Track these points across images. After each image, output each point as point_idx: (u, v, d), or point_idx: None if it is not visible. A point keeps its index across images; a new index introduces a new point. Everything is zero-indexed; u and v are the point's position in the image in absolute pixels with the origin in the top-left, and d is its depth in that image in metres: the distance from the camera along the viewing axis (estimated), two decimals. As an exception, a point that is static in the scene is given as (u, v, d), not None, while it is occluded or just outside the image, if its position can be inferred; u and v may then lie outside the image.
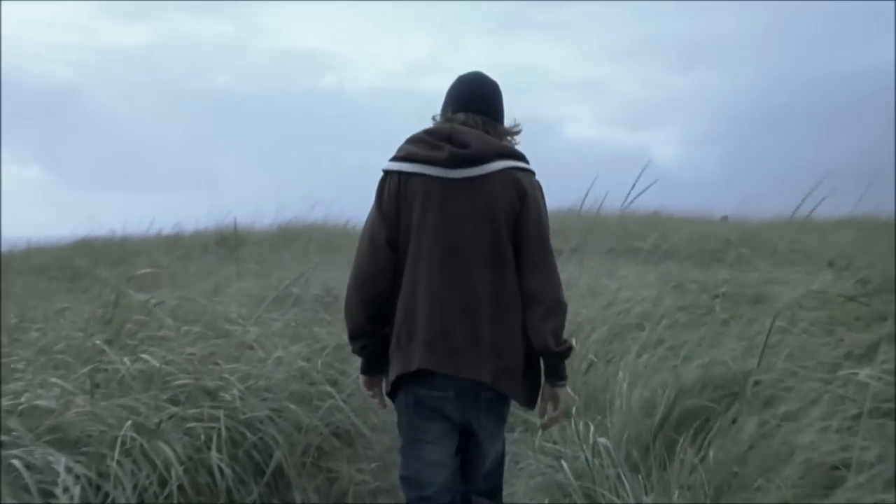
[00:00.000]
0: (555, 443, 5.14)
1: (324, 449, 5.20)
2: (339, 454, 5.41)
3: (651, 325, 6.53)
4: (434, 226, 3.26)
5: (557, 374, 3.37)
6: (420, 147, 3.31)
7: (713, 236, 17.78)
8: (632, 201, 7.90)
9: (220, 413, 4.45)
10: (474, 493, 3.55)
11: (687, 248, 16.67)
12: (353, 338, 3.45)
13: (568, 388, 3.46)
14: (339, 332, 6.44)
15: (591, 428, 4.73)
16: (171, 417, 4.33)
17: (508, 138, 3.49)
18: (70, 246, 19.90)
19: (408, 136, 3.39)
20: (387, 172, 3.35)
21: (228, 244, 17.97)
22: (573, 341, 3.65)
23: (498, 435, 3.51)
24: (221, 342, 5.53)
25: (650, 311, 7.22)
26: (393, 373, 3.36)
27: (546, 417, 3.47)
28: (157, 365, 4.70)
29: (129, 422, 4.06)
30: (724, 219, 23.13)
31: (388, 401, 3.53)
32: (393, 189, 3.30)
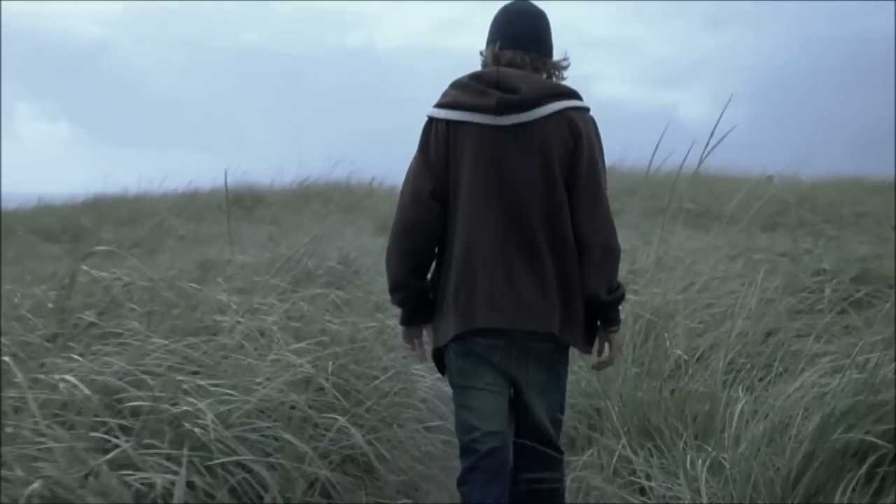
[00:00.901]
0: (635, 473, 3.82)
1: (333, 483, 3.89)
2: (353, 487, 4.13)
3: (750, 315, 5.18)
4: (487, 176, 3.14)
5: (611, 320, 3.31)
6: (467, 93, 3.17)
7: (767, 197, 16.34)
8: (702, 159, 6.53)
9: (184, 454, 3.16)
10: (531, 449, 3.36)
11: (741, 211, 15.41)
12: (393, 289, 3.34)
13: (620, 333, 3.40)
14: (357, 321, 5.08)
15: (701, 464, 3.49)
16: (110, 461, 3.03)
17: (557, 73, 3.33)
18: (80, 205, 18.89)
19: (451, 81, 3.24)
20: (431, 119, 3.22)
21: (244, 204, 16.76)
22: (625, 288, 3.37)
23: (551, 390, 3.33)
24: (202, 341, 4.19)
25: (740, 293, 5.84)
26: (454, 330, 3.20)
27: (598, 360, 3.42)
28: (98, 380, 3.39)
29: (37, 483, 2.76)
30: (770, 178, 21.81)
31: (427, 354, 3.47)
32: (441, 137, 3.18)
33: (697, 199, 16.07)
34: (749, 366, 4.54)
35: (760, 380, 4.40)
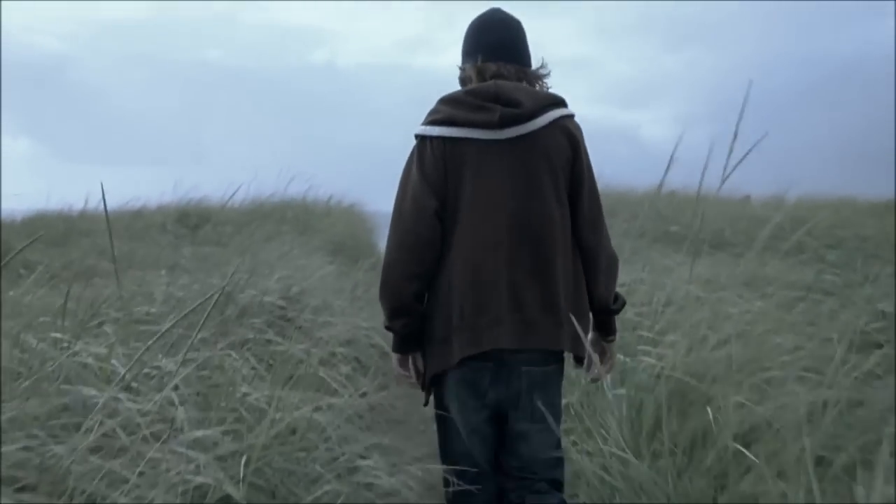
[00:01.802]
0: None
1: None
2: None
3: (823, 381, 3.85)
4: (493, 190, 3.07)
5: (611, 330, 3.35)
6: (463, 109, 3.10)
7: (753, 219, 15.05)
8: (724, 179, 5.25)
9: None
10: (526, 484, 3.16)
11: (732, 235, 14.20)
12: (394, 315, 3.18)
13: (616, 343, 3.42)
14: (289, 395, 3.66)
15: None
16: None
17: (539, 82, 3.28)
18: (19, 223, 17.44)
19: (441, 96, 3.19)
20: (424, 137, 3.13)
21: (189, 223, 15.36)
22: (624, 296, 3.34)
23: (544, 417, 3.10)
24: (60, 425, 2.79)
25: (789, 340, 4.54)
26: (459, 354, 3.07)
27: (595, 371, 3.29)
28: None
29: None
30: (747, 198, 20.85)
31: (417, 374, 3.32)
32: (437, 154, 3.09)
33: (680, 220, 14.97)
34: (845, 459, 3.17)
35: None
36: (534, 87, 3.26)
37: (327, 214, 16.54)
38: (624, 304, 3.33)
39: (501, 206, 3.07)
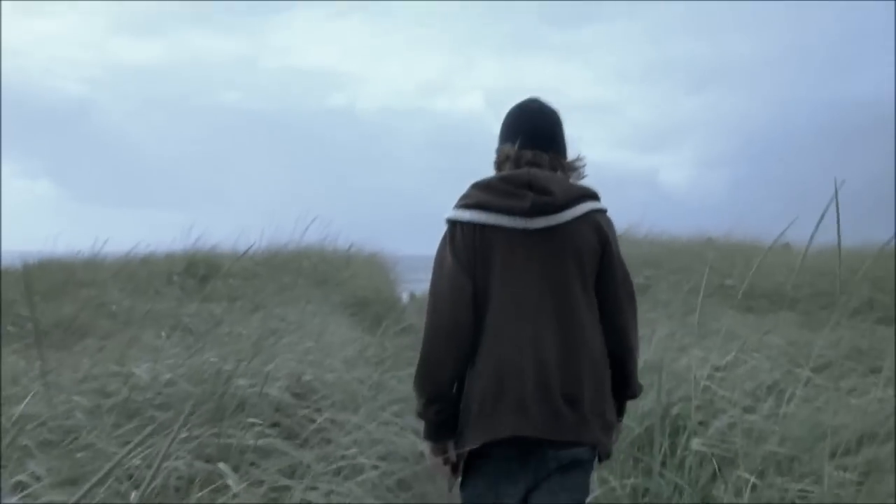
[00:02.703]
0: None
1: None
2: None
3: None
4: (520, 279, 3.08)
5: (623, 412, 3.37)
6: (495, 195, 3.13)
7: (812, 270, 13.70)
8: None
9: None
10: None
11: (793, 288, 12.91)
12: (430, 402, 3.16)
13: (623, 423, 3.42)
14: None
15: None
16: None
17: (573, 173, 3.33)
18: (20, 272, 16.25)
19: (474, 180, 3.22)
20: (455, 222, 3.16)
21: (196, 273, 14.16)
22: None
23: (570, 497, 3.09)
24: None
25: None
26: (478, 440, 3.06)
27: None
28: None
29: None
30: (787, 245, 19.60)
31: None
32: (468, 240, 3.11)
33: (732, 272, 13.72)
34: None
35: None
36: (567, 177, 3.29)
37: (347, 265, 15.27)
38: (641, 389, 3.35)
39: (528, 297, 3.09)
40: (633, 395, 3.32)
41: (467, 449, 3.11)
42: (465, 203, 3.17)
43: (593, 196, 3.21)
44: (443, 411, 3.17)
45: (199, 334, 8.60)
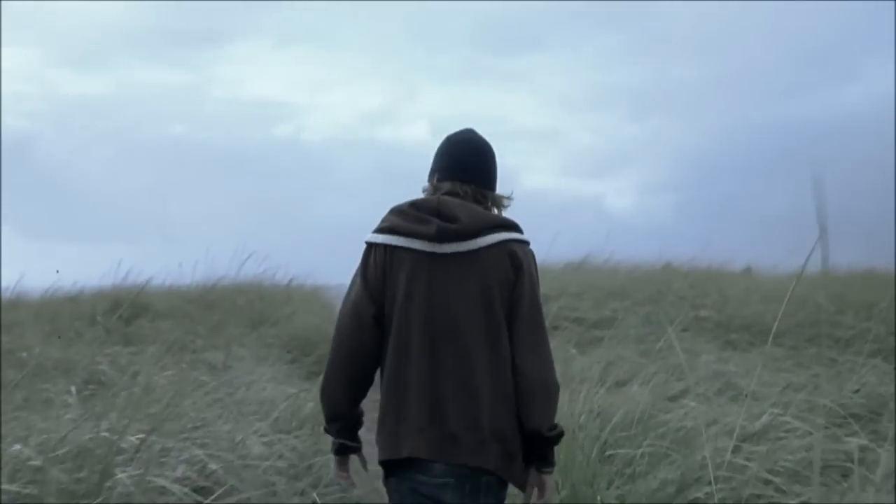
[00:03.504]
0: None
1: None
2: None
3: None
4: (423, 302, 3.14)
5: (546, 460, 3.24)
6: (405, 219, 3.20)
7: (791, 299, 12.69)
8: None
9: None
10: None
11: (758, 320, 11.94)
12: (331, 419, 3.30)
13: (553, 475, 3.32)
14: None
15: None
16: None
17: (499, 207, 3.36)
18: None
19: (391, 206, 3.28)
20: (371, 245, 3.24)
21: (122, 314, 12.88)
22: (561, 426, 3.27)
23: None
24: None
25: None
26: (381, 457, 3.18)
27: (532, 501, 3.29)
28: None
29: None
30: (748, 270, 18.95)
31: (360, 475, 3.39)
32: (379, 262, 3.20)
33: (705, 303, 12.75)
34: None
35: None
36: (489, 209, 3.31)
37: (287, 301, 14.07)
38: (561, 434, 3.21)
39: (430, 319, 3.12)
40: (536, 431, 3.15)
41: (352, 457, 3.32)
42: (380, 227, 3.23)
43: (511, 226, 3.25)
44: (343, 429, 3.28)
45: (110, 387, 7.48)
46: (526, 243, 3.26)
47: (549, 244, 14.47)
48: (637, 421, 5.97)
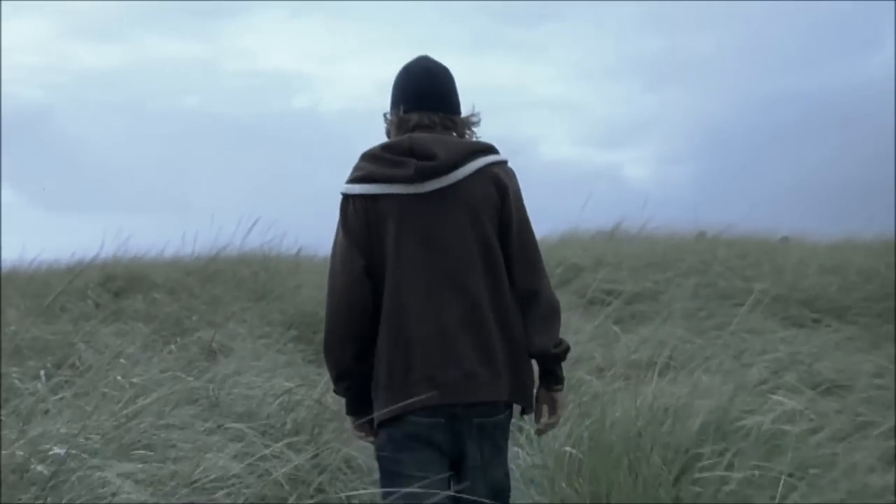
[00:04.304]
0: None
1: None
2: None
3: None
4: (415, 247, 3.11)
5: (556, 377, 3.28)
6: (380, 164, 3.13)
7: (841, 273, 11.38)
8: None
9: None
10: None
11: (820, 294, 10.71)
12: (338, 379, 3.26)
13: (564, 392, 3.35)
14: None
15: None
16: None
17: (469, 130, 3.32)
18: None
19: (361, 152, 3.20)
20: (347, 196, 3.17)
21: (112, 287, 11.77)
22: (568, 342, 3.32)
23: (494, 465, 3.19)
24: None
25: None
26: (389, 413, 3.06)
27: (542, 423, 3.36)
28: None
29: None
30: (786, 239, 17.78)
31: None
32: (360, 213, 3.14)
33: (758, 274, 11.53)
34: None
35: None
36: (462, 135, 3.27)
37: (294, 271, 12.87)
38: (568, 349, 3.28)
39: (425, 262, 3.09)
40: (544, 350, 3.18)
41: (372, 417, 3.12)
42: (355, 176, 3.17)
43: (488, 150, 3.21)
44: (352, 388, 3.23)
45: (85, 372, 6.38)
46: (505, 162, 3.23)
47: (579, 210, 13.35)
48: (717, 426, 4.81)
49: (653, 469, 4.60)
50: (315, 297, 11.01)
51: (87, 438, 3.94)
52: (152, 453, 3.95)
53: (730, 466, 4.41)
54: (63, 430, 3.96)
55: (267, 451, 4.12)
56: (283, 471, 4.08)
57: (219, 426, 4.46)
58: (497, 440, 3.18)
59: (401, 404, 3.02)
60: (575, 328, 8.51)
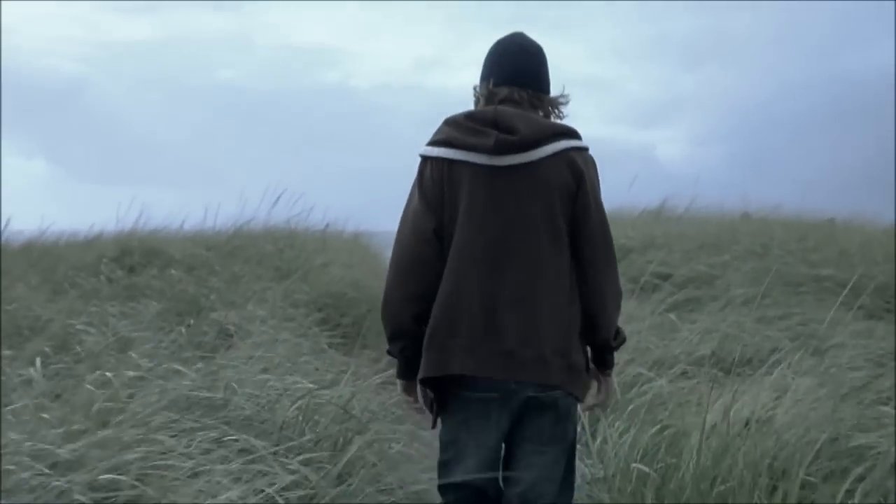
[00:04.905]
0: None
1: None
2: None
3: None
4: (484, 216, 3.07)
5: (609, 363, 3.29)
6: (462, 132, 3.08)
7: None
8: None
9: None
10: None
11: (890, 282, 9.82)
12: (394, 338, 3.20)
13: (613, 376, 3.35)
14: None
15: None
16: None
17: (556, 110, 3.26)
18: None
19: (445, 117, 3.17)
20: (426, 158, 3.14)
21: (127, 262, 10.99)
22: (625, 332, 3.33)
23: (549, 450, 3.11)
24: None
25: None
26: (424, 372, 3.07)
27: (589, 401, 3.31)
28: None
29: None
30: (832, 221, 16.89)
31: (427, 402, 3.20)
32: (436, 176, 3.10)
33: (825, 258, 10.64)
34: None
35: None
36: (548, 114, 3.24)
37: (322, 248, 12.07)
38: (624, 340, 3.31)
39: (486, 232, 3.05)
40: (605, 341, 3.20)
41: (419, 378, 3.08)
42: (435, 140, 3.14)
43: (570, 133, 3.14)
44: (407, 348, 3.16)
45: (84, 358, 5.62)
46: (585, 149, 3.18)
47: (627, 187, 12.53)
48: (822, 443, 3.98)
49: (744, 494, 3.81)
50: (344, 277, 10.21)
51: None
52: (126, 478, 3.15)
53: (849, 494, 3.60)
54: (28, 444, 3.21)
55: (279, 471, 3.32)
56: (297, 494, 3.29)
57: (220, 439, 3.63)
58: (560, 420, 3.13)
59: (452, 371, 3.01)
60: (627, 315, 7.68)
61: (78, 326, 7.01)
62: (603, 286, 3.13)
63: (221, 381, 4.23)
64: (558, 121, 3.27)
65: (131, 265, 10.86)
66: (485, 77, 3.27)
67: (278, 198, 12.57)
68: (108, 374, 4.34)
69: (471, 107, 3.29)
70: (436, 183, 3.09)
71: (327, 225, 13.52)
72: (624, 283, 9.99)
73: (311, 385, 4.45)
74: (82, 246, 13.32)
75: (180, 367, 4.26)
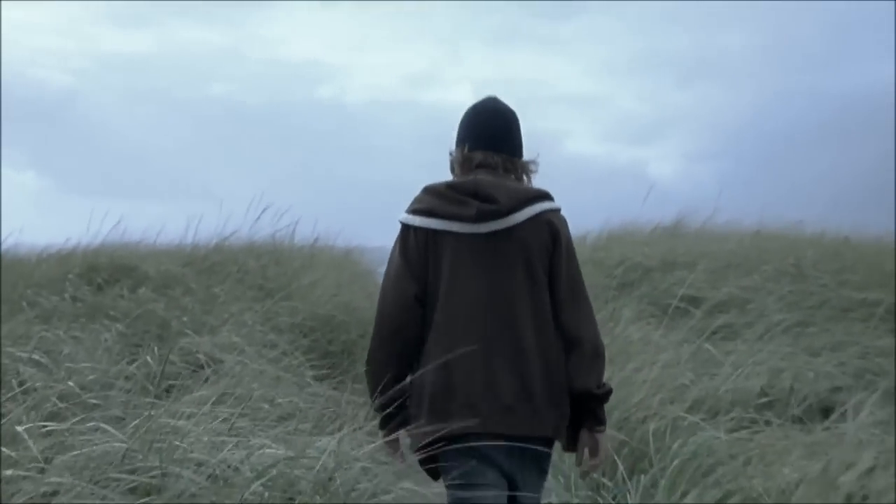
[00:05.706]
0: None
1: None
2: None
3: None
4: (469, 280, 3.18)
5: (598, 419, 3.27)
6: (444, 202, 3.23)
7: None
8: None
9: None
10: None
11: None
12: (375, 394, 3.25)
13: (608, 433, 3.36)
14: None
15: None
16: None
17: (527, 174, 3.38)
18: None
19: (425, 185, 3.31)
20: (408, 226, 3.27)
21: (95, 280, 9.98)
22: (611, 384, 3.33)
23: (539, 489, 3.29)
24: None
25: None
26: (429, 436, 3.07)
27: (586, 465, 3.33)
28: None
29: None
30: (846, 240, 16.10)
31: (405, 453, 3.34)
32: (420, 243, 3.23)
33: (866, 279, 9.71)
34: None
35: None
36: (520, 178, 3.35)
37: (308, 264, 11.05)
38: (609, 391, 3.28)
39: (473, 293, 3.15)
40: (586, 387, 3.19)
41: (428, 441, 3.08)
42: (416, 209, 3.25)
43: (544, 196, 3.28)
44: (387, 405, 3.21)
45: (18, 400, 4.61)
46: (558, 210, 3.31)
47: (640, 204, 11.52)
48: None
49: None
50: (333, 298, 9.22)
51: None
52: None
53: None
54: None
55: None
56: None
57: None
58: (542, 466, 3.27)
59: (449, 433, 3.02)
60: (655, 345, 6.68)
61: (19, 354, 5.98)
62: (577, 336, 3.19)
63: (162, 442, 3.19)
64: (530, 185, 3.35)
65: (99, 282, 9.86)
66: (460, 141, 3.38)
67: (262, 211, 11.55)
68: (18, 427, 3.30)
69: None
70: (420, 250, 3.21)
71: (316, 239, 12.49)
72: (646, 307, 8.99)
73: (281, 452, 3.41)
74: (56, 260, 12.36)
75: (108, 428, 3.21)
